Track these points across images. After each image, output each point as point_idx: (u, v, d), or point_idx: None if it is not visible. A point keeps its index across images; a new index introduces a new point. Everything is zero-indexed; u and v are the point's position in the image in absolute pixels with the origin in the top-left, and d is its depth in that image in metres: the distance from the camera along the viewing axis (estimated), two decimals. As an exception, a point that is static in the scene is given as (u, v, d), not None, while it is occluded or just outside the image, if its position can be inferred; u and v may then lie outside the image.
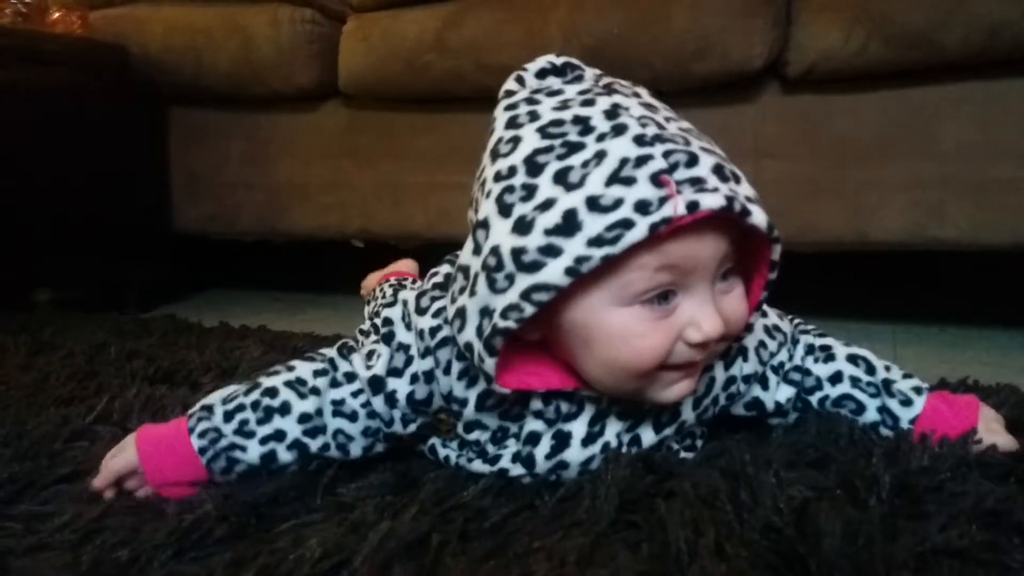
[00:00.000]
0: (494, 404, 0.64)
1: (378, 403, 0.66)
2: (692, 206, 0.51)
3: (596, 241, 0.52)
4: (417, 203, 1.56)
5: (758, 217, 0.54)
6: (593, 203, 0.52)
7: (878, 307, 1.50)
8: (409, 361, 0.65)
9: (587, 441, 0.64)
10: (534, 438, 0.64)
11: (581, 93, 0.59)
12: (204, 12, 1.64)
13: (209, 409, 0.68)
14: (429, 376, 0.65)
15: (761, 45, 1.24)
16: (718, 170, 0.54)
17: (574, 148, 0.55)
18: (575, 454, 0.64)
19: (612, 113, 0.56)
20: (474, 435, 0.66)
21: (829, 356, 0.74)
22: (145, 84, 1.68)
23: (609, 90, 0.59)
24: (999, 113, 1.18)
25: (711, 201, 0.52)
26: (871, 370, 0.73)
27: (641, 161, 0.53)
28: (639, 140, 0.54)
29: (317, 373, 0.68)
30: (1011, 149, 1.18)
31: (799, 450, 0.69)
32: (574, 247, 0.52)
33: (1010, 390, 0.87)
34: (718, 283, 0.58)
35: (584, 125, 0.55)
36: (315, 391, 0.67)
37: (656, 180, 0.52)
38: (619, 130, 0.54)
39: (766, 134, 1.31)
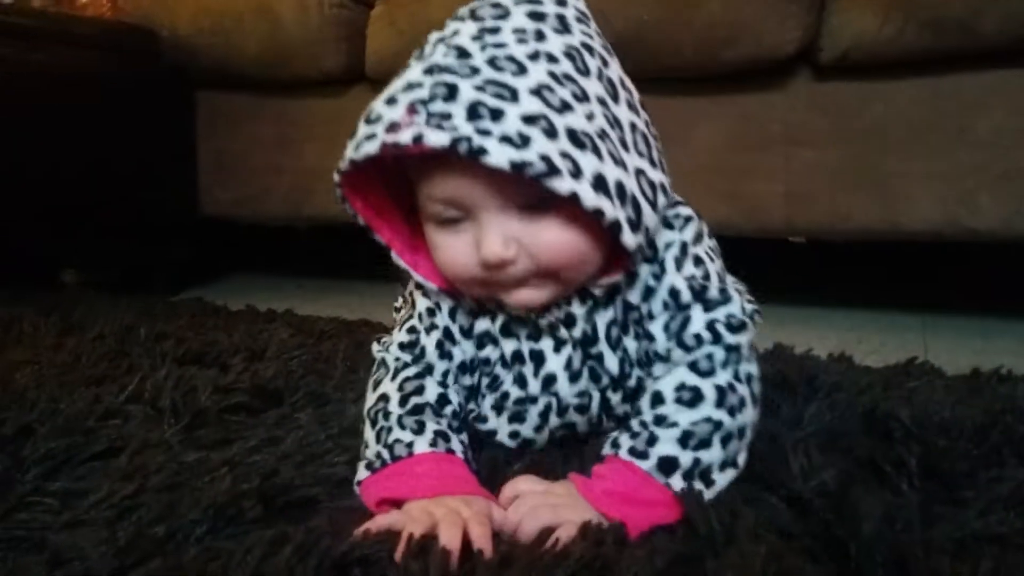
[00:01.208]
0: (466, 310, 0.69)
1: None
2: (417, 138, 0.53)
3: (354, 146, 0.57)
4: (443, 188, 1.55)
5: (496, 157, 0.52)
6: (368, 114, 0.57)
7: (908, 297, 1.48)
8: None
9: (557, 349, 0.66)
10: (519, 357, 0.67)
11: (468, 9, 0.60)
12: (233, -5, 1.65)
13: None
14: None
15: (794, 30, 1.23)
16: (473, 107, 0.53)
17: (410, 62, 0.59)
18: (555, 364, 0.66)
19: (440, 39, 0.59)
20: (486, 352, 0.69)
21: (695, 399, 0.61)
22: (173, 67, 1.69)
23: (472, 14, 0.59)
24: (1036, 102, 1.16)
25: (434, 138, 0.53)
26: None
27: (411, 87, 0.55)
28: (427, 69, 0.56)
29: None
30: (1047, 139, 1.16)
31: (828, 434, 0.68)
32: (350, 147, 0.58)
33: (1047, 380, 0.86)
34: (525, 212, 0.57)
35: (426, 44, 0.60)
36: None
37: (410, 107, 0.54)
38: (423, 56, 0.58)
39: (797, 122, 1.29)
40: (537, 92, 0.54)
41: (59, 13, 1.64)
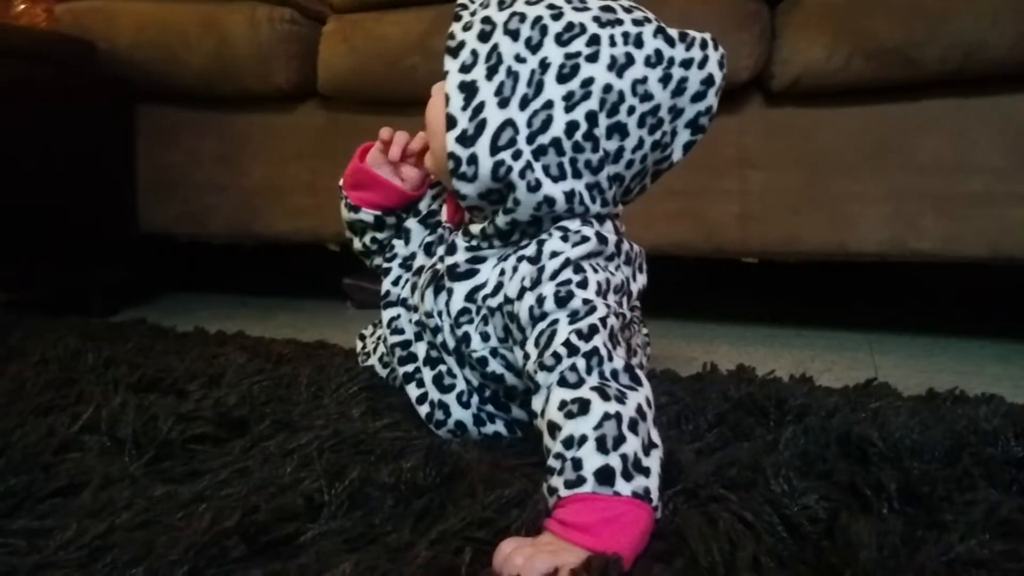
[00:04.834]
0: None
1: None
2: None
3: None
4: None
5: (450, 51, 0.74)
6: None
7: (856, 316, 1.52)
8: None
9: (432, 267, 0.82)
10: (420, 268, 0.85)
11: None
12: (177, 8, 1.61)
13: None
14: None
15: (747, 58, 1.26)
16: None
17: None
18: (424, 277, 0.82)
19: None
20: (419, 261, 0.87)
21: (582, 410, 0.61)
22: (112, 80, 1.64)
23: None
24: (974, 129, 1.21)
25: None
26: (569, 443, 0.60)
27: None
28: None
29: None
30: (984, 164, 1.21)
31: (805, 458, 0.69)
32: None
33: (998, 400, 0.89)
34: None
35: None
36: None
37: None
38: None
39: (749, 145, 1.32)
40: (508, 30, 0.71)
41: (-9, 22, 1.58)
